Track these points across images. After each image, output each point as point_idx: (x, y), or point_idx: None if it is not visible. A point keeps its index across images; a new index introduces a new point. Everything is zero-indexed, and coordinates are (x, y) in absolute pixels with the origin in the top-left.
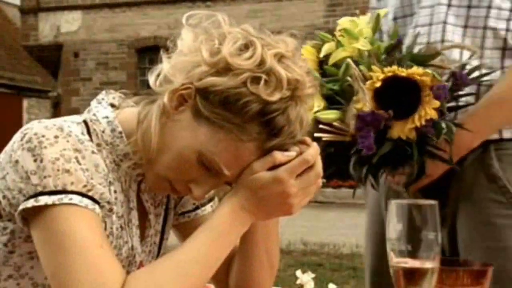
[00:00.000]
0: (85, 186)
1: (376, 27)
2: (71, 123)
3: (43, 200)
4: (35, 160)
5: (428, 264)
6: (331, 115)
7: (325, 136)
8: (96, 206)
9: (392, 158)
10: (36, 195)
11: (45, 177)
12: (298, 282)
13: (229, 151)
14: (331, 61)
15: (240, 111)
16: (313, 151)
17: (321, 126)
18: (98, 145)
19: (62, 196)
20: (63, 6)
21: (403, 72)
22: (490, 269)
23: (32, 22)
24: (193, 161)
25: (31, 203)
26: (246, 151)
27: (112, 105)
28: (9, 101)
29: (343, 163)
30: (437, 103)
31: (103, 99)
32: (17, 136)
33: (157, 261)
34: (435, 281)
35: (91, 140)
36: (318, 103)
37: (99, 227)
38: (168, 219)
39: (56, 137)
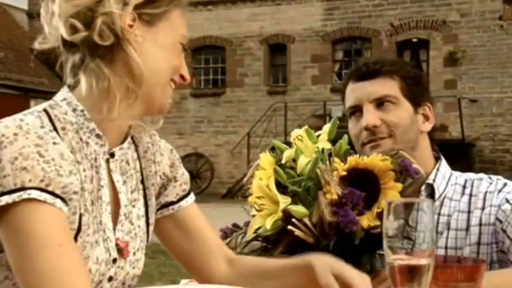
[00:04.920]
0: (42, 180)
1: (334, 130)
2: (30, 115)
3: (4, 199)
4: None
5: (423, 261)
6: (302, 209)
7: (296, 231)
8: (57, 200)
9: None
10: None
11: (4, 176)
12: None
13: (183, 20)
14: (299, 170)
15: None
16: None
17: (293, 220)
18: (63, 128)
19: (21, 192)
20: None
21: (364, 160)
22: (483, 266)
23: (39, 25)
24: (180, 51)
25: None
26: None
27: (69, 86)
28: (17, 102)
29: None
30: (399, 186)
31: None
32: None
33: None
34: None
35: (55, 127)
36: (284, 200)
37: (60, 222)
38: (150, 205)
39: (15, 134)
